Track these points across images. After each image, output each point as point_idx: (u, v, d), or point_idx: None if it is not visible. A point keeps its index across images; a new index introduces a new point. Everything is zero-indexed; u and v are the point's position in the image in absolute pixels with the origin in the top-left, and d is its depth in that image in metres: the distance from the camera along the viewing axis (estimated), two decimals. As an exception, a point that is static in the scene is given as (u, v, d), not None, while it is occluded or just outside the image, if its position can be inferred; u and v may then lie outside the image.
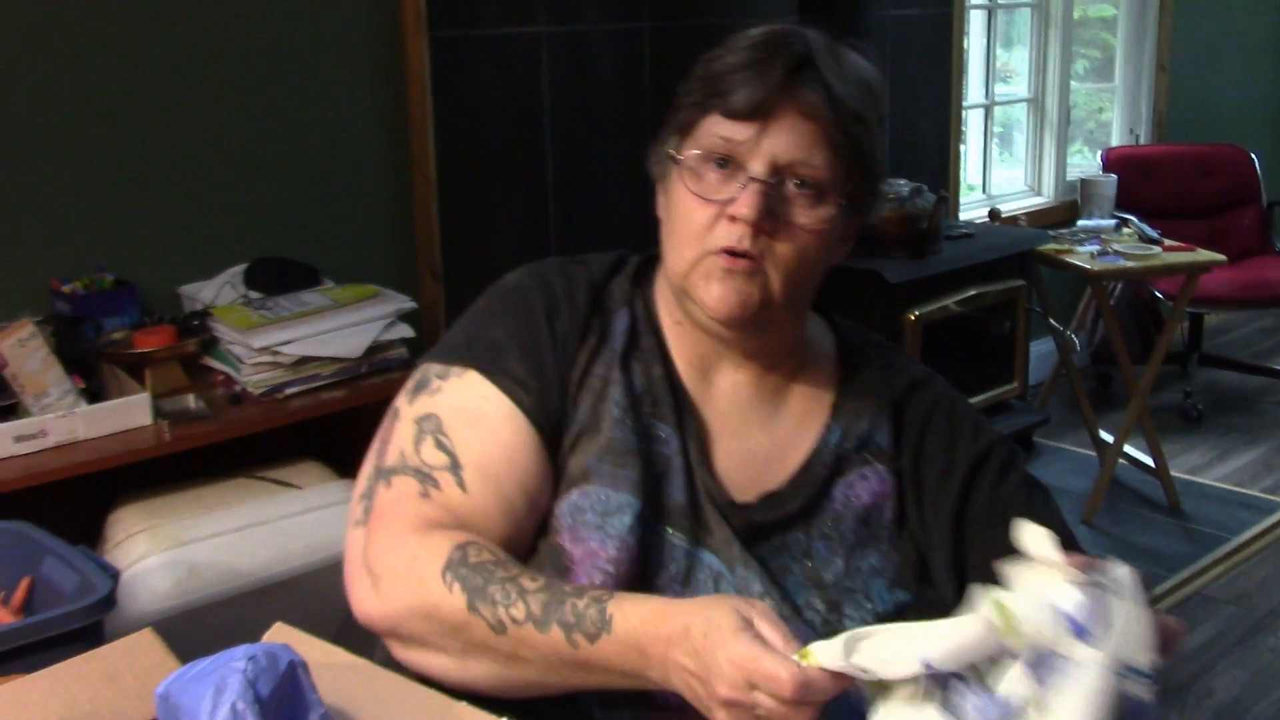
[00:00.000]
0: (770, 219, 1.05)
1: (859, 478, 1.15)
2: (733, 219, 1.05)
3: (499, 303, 1.18)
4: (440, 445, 1.10)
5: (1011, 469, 1.18)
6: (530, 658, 0.98)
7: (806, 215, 1.07)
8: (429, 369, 1.17)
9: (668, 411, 1.13)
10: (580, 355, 1.14)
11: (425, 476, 1.09)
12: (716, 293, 1.07)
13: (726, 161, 1.07)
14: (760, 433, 1.16)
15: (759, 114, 1.05)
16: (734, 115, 1.06)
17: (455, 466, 1.09)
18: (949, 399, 1.21)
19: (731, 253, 1.06)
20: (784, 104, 1.05)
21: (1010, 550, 0.87)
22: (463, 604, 0.99)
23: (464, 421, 1.11)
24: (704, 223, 1.07)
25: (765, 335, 1.13)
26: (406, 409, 1.15)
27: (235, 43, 2.58)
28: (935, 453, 1.17)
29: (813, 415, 1.18)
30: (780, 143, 1.05)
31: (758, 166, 1.05)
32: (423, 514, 1.07)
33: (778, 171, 1.06)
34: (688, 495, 1.11)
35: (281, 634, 1.09)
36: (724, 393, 1.16)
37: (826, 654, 0.84)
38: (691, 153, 1.09)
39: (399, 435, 1.13)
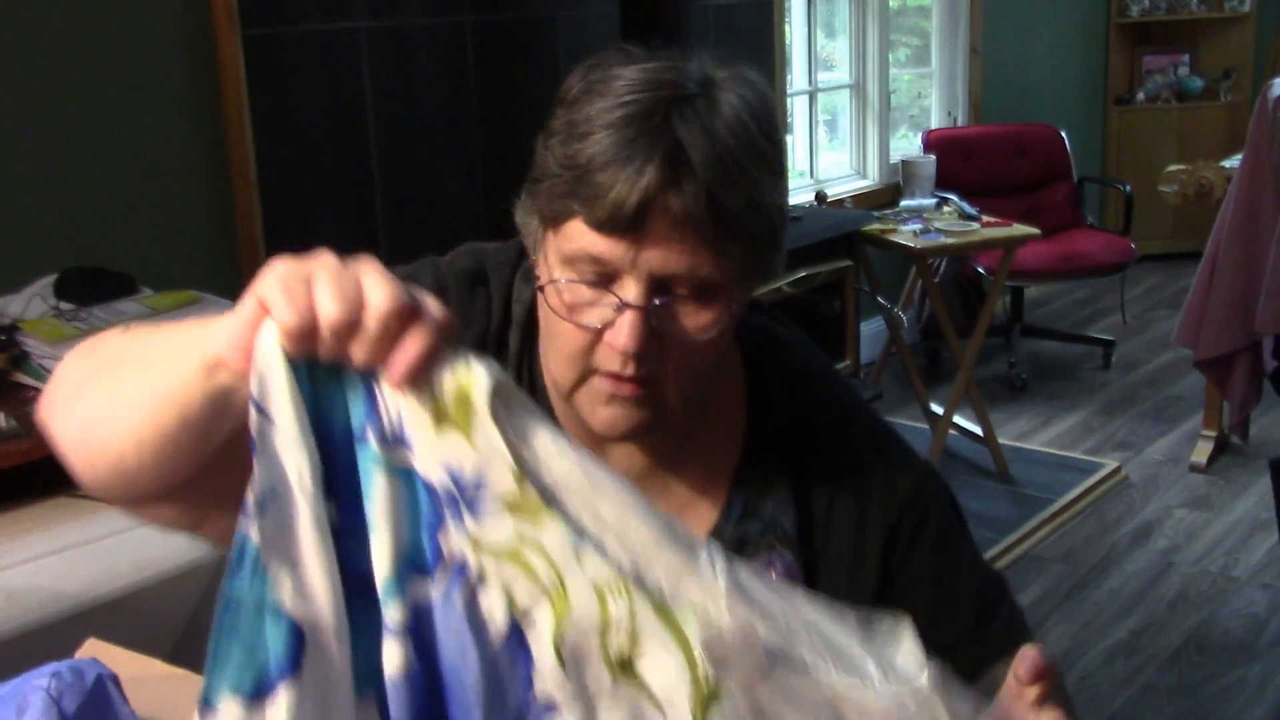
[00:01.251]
0: (655, 340, 0.92)
1: (764, 565, 1.04)
2: (610, 352, 0.93)
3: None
4: None
5: (920, 535, 1.06)
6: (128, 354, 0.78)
7: (695, 320, 0.94)
8: None
9: None
10: None
11: None
12: (604, 416, 0.97)
13: (600, 278, 0.93)
14: (657, 502, 0.99)
15: (631, 227, 0.89)
16: (601, 229, 0.90)
17: None
18: (859, 453, 1.08)
19: (617, 377, 0.95)
20: (656, 216, 0.89)
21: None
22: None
23: None
24: (582, 346, 0.95)
25: (659, 433, 1.02)
26: None
27: (39, 43, 2.47)
28: (846, 535, 1.05)
29: (713, 483, 1.07)
30: (658, 257, 0.90)
31: (633, 290, 0.91)
32: None
33: (659, 285, 0.92)
34: None
35: (94, 650, 1.05)
36: (617, 464, 1.05)
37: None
38: (561, 253, 0.94)
39: None
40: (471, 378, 0.66)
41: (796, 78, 4.71)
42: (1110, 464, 3.88)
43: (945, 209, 4.11)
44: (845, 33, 4.99)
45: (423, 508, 0.67)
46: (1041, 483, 3.74)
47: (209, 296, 2.40)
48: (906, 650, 0.72)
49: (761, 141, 0.93)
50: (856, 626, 0.72)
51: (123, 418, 0.75)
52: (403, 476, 0.67)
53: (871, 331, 4.54)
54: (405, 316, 0.66)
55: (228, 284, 2.78)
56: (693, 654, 0.67)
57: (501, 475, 0.66)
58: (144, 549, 2.10)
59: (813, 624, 0.70)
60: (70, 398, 0.81)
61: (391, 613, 0.66)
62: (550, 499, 0.67)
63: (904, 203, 4.28)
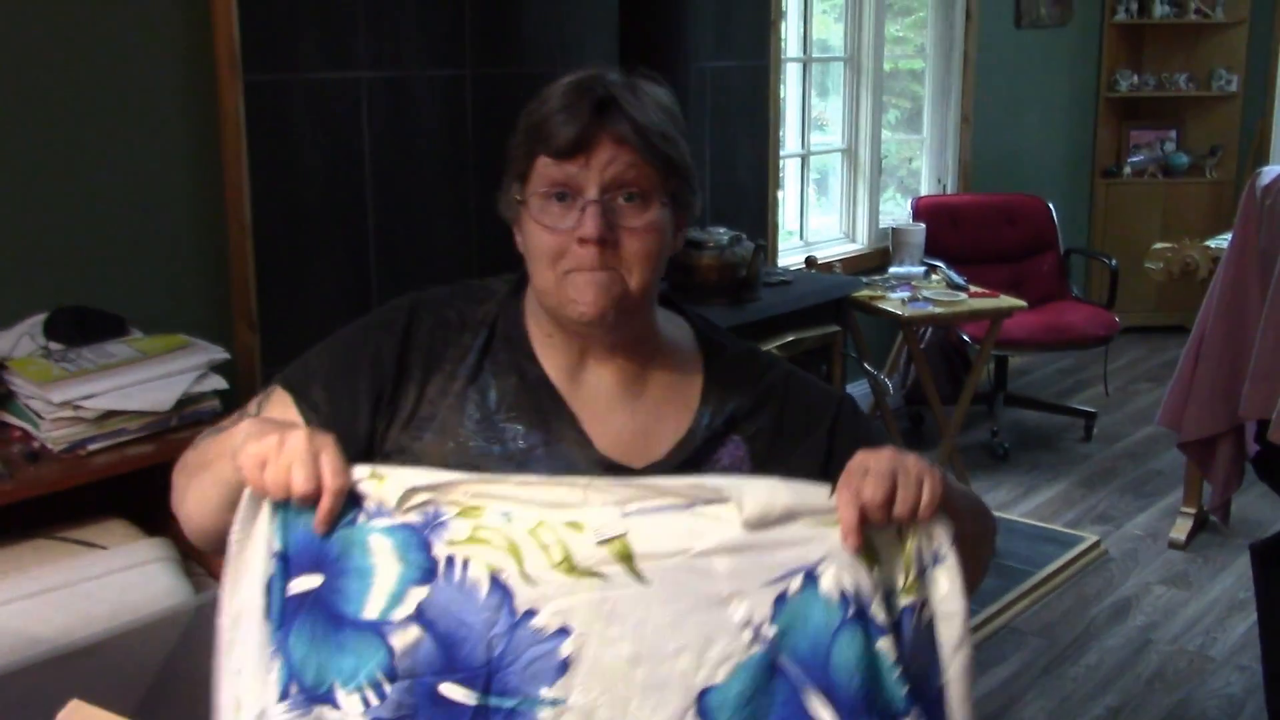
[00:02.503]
0: (611, 231, 1.24)
1: (724, 449, 1.33)
2: (581, 241, 1.23)
3: (345, 333, 1.36)
4: (258, 404, 1.34)
5: (855, 420, 1.40)
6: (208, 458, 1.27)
7: (639, 219, 1.25)
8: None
9: (523, 413, 1.29)
10: (413, 386, 1.30)
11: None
12: (582, 305, 1.24)
13: (564, 195, 1.24)
14: (628, 414, 1.33)
15: (580, 149, 1.22)
16: (559, 155, 1.23)
17: (252, 414, 1.32)
18: (796, 380, 1.40)
19: (589, 269, 1.24)
20: (599, 136, 1.23)
21: None
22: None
23: (276, 408, 1.32)
24: (557, 248, 1.25)
25: (626, 328, 1.29)
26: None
27: (37, 81, 2.48)
28: (797, 434, 1.34)
29: (682, 399, 1.35)
30: (603, 167, 1.23)
31: (591, 191, 1.23)
32: None
33: (606, 190, 1.24)
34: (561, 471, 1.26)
35: (78, 713, 1.04)
36: (591, 386, 1.32)
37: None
38: (534, 193, 1.26)
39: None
40: (408, 490, 1.09)
41: (789, 139, 4.75)
42: (1090, 538, 3.88)
43: (933, 277, 4.14)
44: (838, 93, 5.05)
45: (409, 542, 1.06)
46: (1022, 555, 3.74)
47: (197, 341, 2.39)
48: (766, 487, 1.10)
49: (670, 105, 1.30)
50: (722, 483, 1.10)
51: (208, 499, 1.24)
52: (388, 532, 1.07)
53: (856, 394, 4.55)
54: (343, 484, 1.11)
55: (218, 328, 2.78)
56: (614, 545, 1.05)
57: (446, 507, 1.07)
58: (122, 595, 2.08)
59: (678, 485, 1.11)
60: (182, 498, 1.34)
61: (397, 612, 1.04)
62: (477, 500, 1.07)
63: (893, 269, 4.31)
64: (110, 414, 2.16)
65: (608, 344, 1.32)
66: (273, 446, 1.10)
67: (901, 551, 1.08)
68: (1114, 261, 5.14)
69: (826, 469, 1.28)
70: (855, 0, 4.94)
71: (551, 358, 1.33)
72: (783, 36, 4.40)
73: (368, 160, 3.08)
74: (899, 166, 5.60)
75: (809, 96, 4.89)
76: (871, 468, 1.12)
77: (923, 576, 1.08)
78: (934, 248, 4.67)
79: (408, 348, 1.31)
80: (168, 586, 2.12)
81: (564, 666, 1.03)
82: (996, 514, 4.10)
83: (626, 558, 1.04)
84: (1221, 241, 3.53)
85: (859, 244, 5.04)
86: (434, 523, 1.06)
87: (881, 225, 5.10)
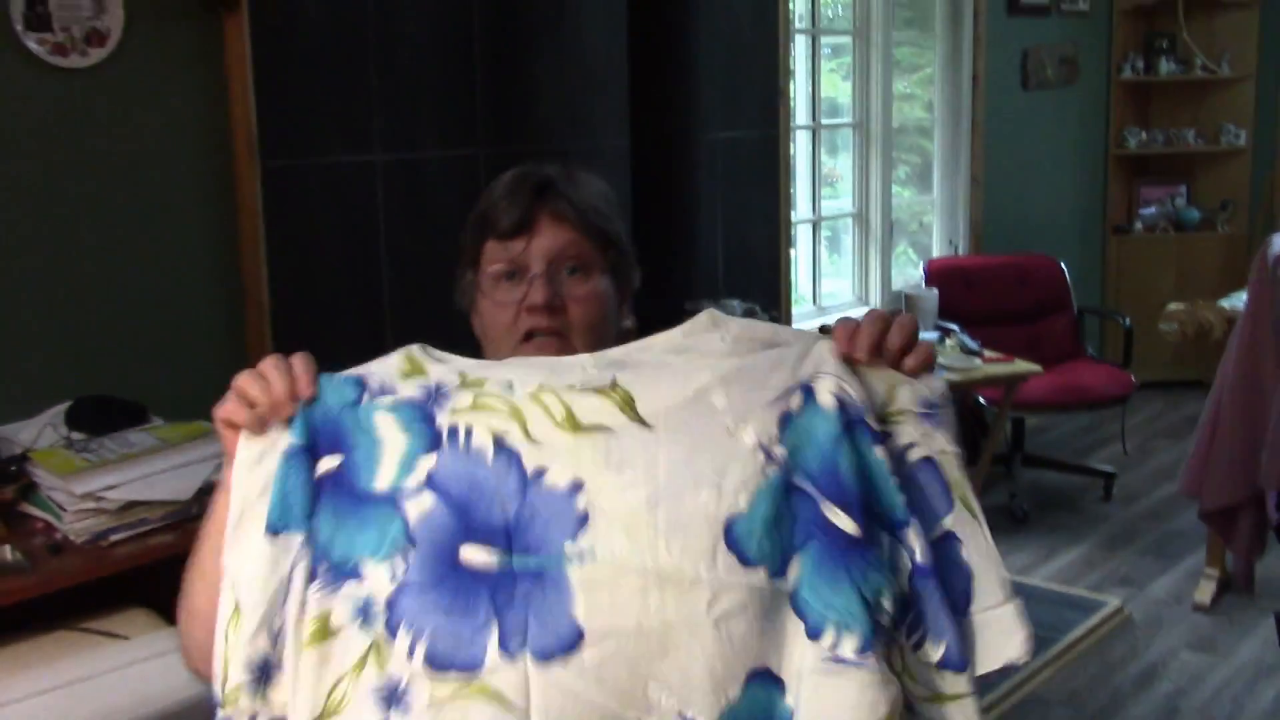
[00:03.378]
0: (557, 299, 1.33)
1: None
2: (529, 309, 1.33)
3: None
4: None
5: None
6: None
7: (582, 288, 1.35)
8: None
9: None
10: None
11: None
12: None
13: (513, 273, 1.35)
14: None
15: (523, 229, 1.34)
16: (505, 236, 1.35)
17: None
18: None
19: (536, 332, 1.33)
20: (540, 217, 1.34)
21: None
22: None
23: None
24: (509, 320, 1.35)
25: None
26: None
27: (52, 173, 2.52)
28: None
29: None
30: (545, 244, 1.34)
31: (537, 265, 1.34)
32: None
33: (551, 264, 1.34)
34: None
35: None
36: None
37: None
38: (486, 273, 1.37)
39: None
40: (408, 355, 1.13)
41: (800, 202, 4.79)
42: (1113, 602, 3.85)
43: (948, 342, 4.15)
44: (847, 150, 5.09)
45: (414, 415, 1.06)
46: (1045, 620, 3.71)
47: (219, 428, 2.40)
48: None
49: (605, 190, 1.41)
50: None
51: (209, 584, 1.12)
52: (393, 408, 1.07)
53: (873, 459, 4.54)
54: (292, 367, 1.12)
55: (237, 411, 2.79)
56: (614, 394, 1.06)
57: (450, 375, 1.09)
58: (144, 686, 2.08)
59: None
60: (187, 625, 1.27)
61: (409, 481, 1.04)
62: (478, 374, 1.10)
63: (907, 334, 4.31)
64: (132, 504, 2.17)
65: None
66: (240, 387, 1.09)
67: (891, 386, 1.09)
68: (1128, 320, 5.13)
69: None
70: (863, 61, 5.00)
71: None
72: (792, 96, 4.44)
73: (383, 240, 3.12)
74: (910, 221, 5.63)
75: (819, 161, 4.93)
76: (865, 316, 1.12)
77: (909, 419, 1.08)
78: (948, 310, 4.67)
79: None
80: (190, 677, 2.12)
81: (584, 519, 1.02)
82: (1018, 579, 4.07)
83: (629, 405, 1.04)
84: (1236, 301, 3.53)
85: (872, 307, 5.05)
86: (436, 395, 1.08)
87: (895, 286, 5.12)
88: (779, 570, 1.02)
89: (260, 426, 1.08)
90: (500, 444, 1.04)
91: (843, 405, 1.05)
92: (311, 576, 1.04)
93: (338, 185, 3.01)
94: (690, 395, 1.05)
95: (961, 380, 3.88)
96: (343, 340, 3.06)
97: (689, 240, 3.42)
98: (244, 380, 1.09)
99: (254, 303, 2.84)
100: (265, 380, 1.09)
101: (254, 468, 1.07)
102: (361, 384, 1.10)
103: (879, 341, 1.08)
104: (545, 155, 3.43)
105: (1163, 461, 5.22)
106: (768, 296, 4.22)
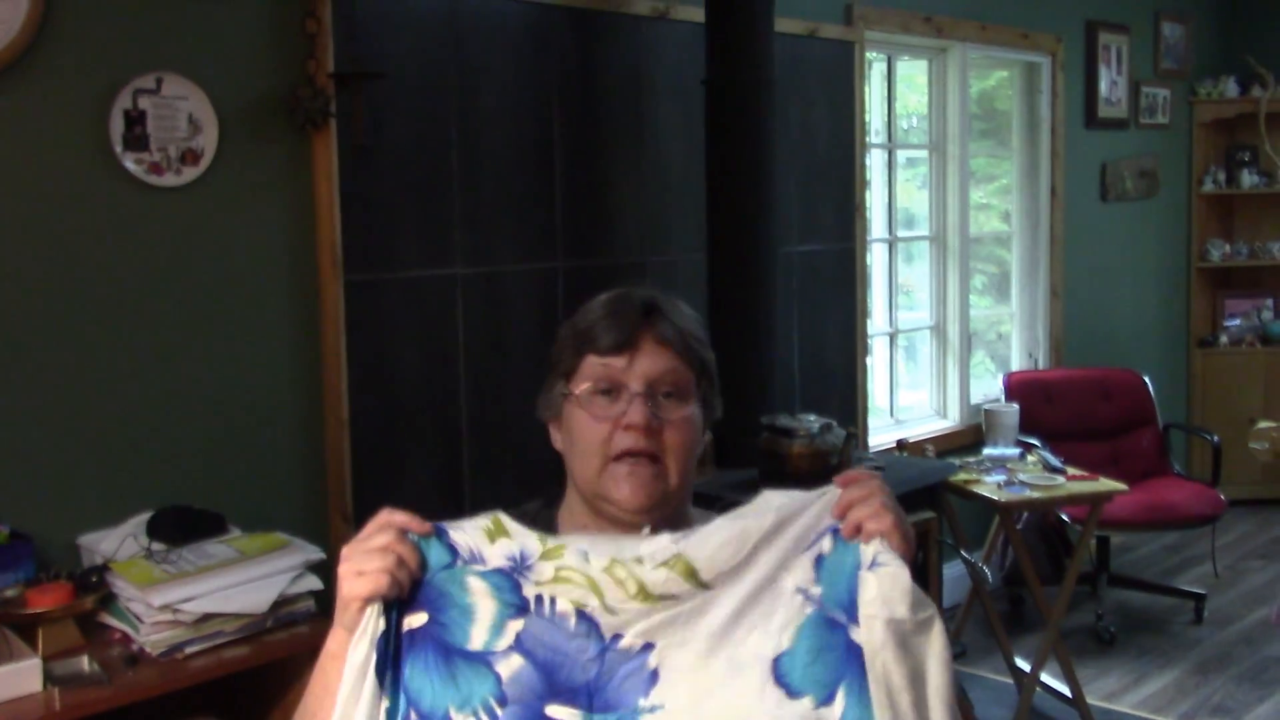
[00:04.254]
0: (654, 420, 1.34)
1: None
2: (627, 428, 1.33)
3: None
4: None
5: None
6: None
7: (678, 413, 1.36)
8: None
9: None
10: None
11: None
12: (627, 490, 1.33)
13: (610, 389, 1.35)
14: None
15: (626, 348, 1.35)
16: (606, 352, 1.35)
17: None
18: None
19: (632, 454, 1.33)
20: (643, 338, 1.36)
21: None
22: None
23: None
24: (603, 437, 1.34)
25: (665, 514, 1.35)
26: None
27: (144, 288, 2.58)
28: None
29: None
30: (647, 365, 1.35)
31: (636, 385, 1.35)
32: None
33: (650, 386, 1.35)
34: None
35: None
36: None
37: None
38: (582, 386, 1.37)
39: None
40: (494, 517, 1.21)
41: (876, 314, 4.77)
42: (1208, 732, 3.70)
43: (1029, 458, 4.07)
44: (923, 259, 5.07)
45: (502, 583, 1.17)
46: (1136, 751, 3.57)
47: (295, 540, 2.42)
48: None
49: (698, 318, 1.44)
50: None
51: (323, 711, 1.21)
52: (483, 575, 1.18)
53: (953, 575, 4.44)
54: (399, 536, 1.19)
55: (315, 521, 2.81)
56: (677, 565, 1.17)
57: (533, 545, 1.19)
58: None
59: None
60: None
61: (499, 643, 1.16)
62: (556, 541, 1.19)
63: (986, 451, 4.24)
64: (208, 616, 2.18)
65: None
66: (359, 557, 1.17)
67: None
68: (1216, 438, 5.00)
69: None
70: (939, 173, 5.00)
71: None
72: (868, 208, 4.45)
73: (461, 353, 3.15)
74: (987, 331, 5.57)
75: (895, 273, 4.92)
76: (871, 489, 1.21)
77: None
78: (1028, 424, 4.59)
79: None
80: (258, 794, 2.11)
81: (654, 677, 1.16)
82: (1105, 705, 3.92)
83: (691, 574, 1.16)
84: (1329, 420, 3.43)
85: (950, 421, 4.99)
86: (521, 566, 1.17)
87: (973, 398, 5.05)
88: (826, 699, 1.14)
89: (397, 593, 1.17)
90: (581, 613, 1.17)
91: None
92: None
93: (418, 298, 3.05)
94: (742, 556, 1.17)
95: (1044, 499, 3.79)
96: (419, 451, 3.07)
97: (765, 354, 3.41)
98: (370, 555, 1.16)
99: (333, 413, 2.87)
100: (391, 553, 1.16)
101: (361, 638, 1.16)
102: (454, 551, 1.20)
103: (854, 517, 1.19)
104: (622, 269, 3.48)
105: (1255, 583, 5.04)
106: (844, 409, 4.19)
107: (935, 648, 1.15)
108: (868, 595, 1.14)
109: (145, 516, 2.47)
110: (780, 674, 1.14)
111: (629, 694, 1.15)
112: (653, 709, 1.14)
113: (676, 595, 1.16)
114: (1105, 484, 3.85)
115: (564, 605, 1.17)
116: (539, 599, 1.17)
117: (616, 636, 1.16)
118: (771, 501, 1.21)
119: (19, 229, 2.40)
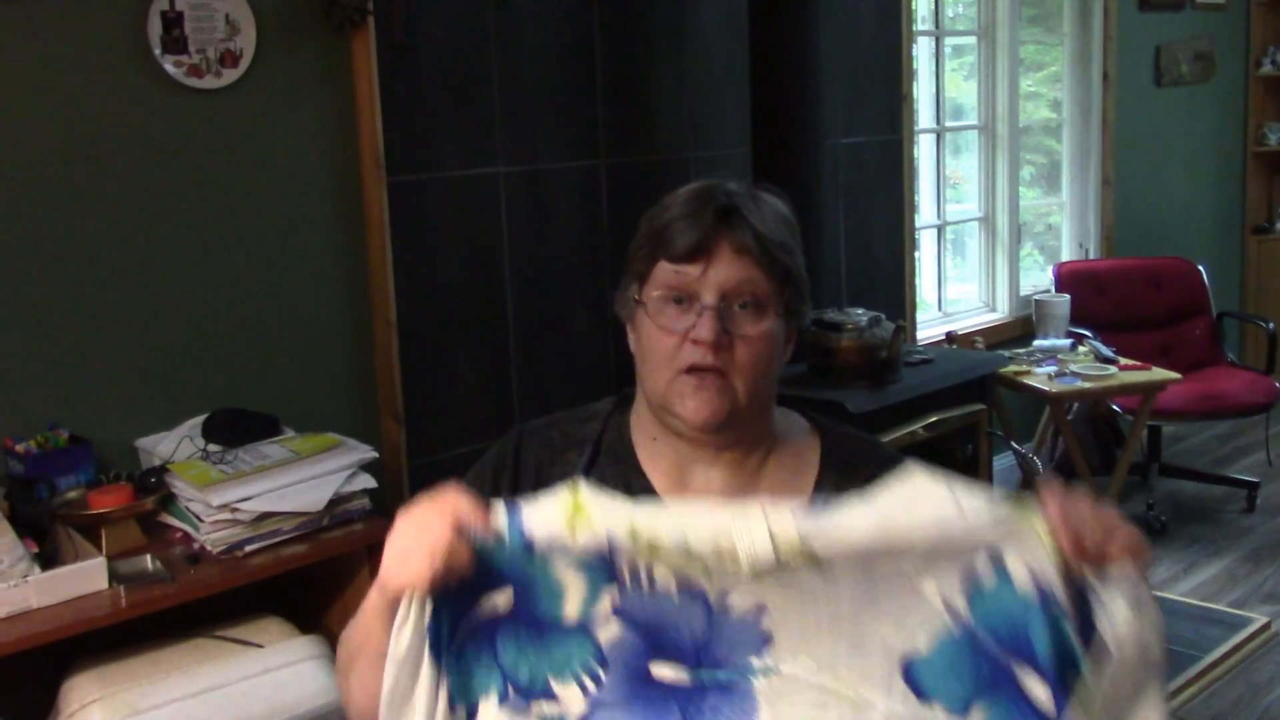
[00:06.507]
0: (725, 335, 1.26)
1: None
2: (695, 342, 1.25)
3: (465, 477, 1.40)
4: None
5: None
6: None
7: (753, 328, 1.27)
8: None
9: None
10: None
11: None
12: (692, 406, 1.26)
13: (682, 298, 1.27)
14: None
15: (700, 255, 1.26)
16: (680, 259, 1.26)
17: None
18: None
19: (698, 369, 1.26)
20: (719, 244, 1.26)
21: None
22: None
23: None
24: (672, 348, 1.27)
25: (735, 432, 1.30)
26: None
27: (188, 192, 2.59)
28: None
29: (795, 490, 1.33)
30: (722, 274, 1.26)
31: (709, 296, 1.26)
32: None
33: (724, 298, 1.26)
34: None
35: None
36: (698, 490, 1.33)
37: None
38: (652, 294, 1.29)
39: None
40: (575, 496, 1.09)
41: (924, 208, 4.70)
42: (1259, 619, 3.69)
43: (1080, 349, 4.03)
44: (971, 151, 4.98)
45: (591, 564, 1.09)
46: (1186, 638, 3.57)
47: (348, 440, 2.45)
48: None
49: (788, 217, 1.32)
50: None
51: (370, 682, 1.15)
52: (569, 560, 1.09)
53: (1003, 466, 4.43)
54: (455, 532, 1.09)
55: (366, 422, 2.84)
56: (794, 552, 1.05)
57: (621, 534, 1.07)
58: (278, 693, 2.12)
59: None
60: (348, 697, 1.28)
61: (597, 610, 1.10)
62: (649, 527, 1.08)
63: (1037, 342, 4.20)
64: (266, 515, 2.22)
65: (715, 445, 1.32)
66: (408, 539, 1.09)
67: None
68: (1271, 324, 4.92)
69: None
70: (988, 61, 4.89)
71: (658, 464, 1.35)
72: (915, 99, 4.36)
73: (506, 253, 3.14)
74: (1036, 223, 5.49)
75: (943, 164, 4.83)
76: (1090, 511, 1.05)
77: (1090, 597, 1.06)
78: (1079, 315, 4.54)
79: (517, 474, 1.37)
80: (323, 684, 2.16)
81: (767, 638, 1.09)
82: (1156, 593, 3.93)
83: (812, 559, 1.06)
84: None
85: (1000, 313, 4.94)
86: (614, 548, 1.08)
87: (1022, 291, 4.99)
88: (960, 709, 1.06)
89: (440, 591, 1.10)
90: (683, 580, 1.09)
91: (1035, 579, 1.05)
92: (502, 698, 1.11)
93: (461, 198, 3.04)
94: (870, 542, 1.05)
95: (1096, 389, 3.76)
96: (467, 352, 3.09)
97: (812, 248, 3.34)
98: (421, 539, 1.08)
99: (380, 315, 2.88)
100: (440, 549, 1.07)
101: (402, 628, 1.10)
102: (530, 543, 1.09)
103: (1094, 545, 1.04)
104: (664, 165, 3.44)
105: (1310, 471, 5.00)
106: (892, 304, 4.15)
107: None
108: (1123, 632, 1.04)
109: (200, 419, 2.50)
110: (912, 675, 1.07)
111: (740, 650, 1.09)
112: (767, 671, 1.08)
113: (791, 567, 1.06)
114: (1158, 373, 3.82)
115: (664, 577, 1.09)
116: (634, 573, 1.09)
117: (724, 596, 1.09)
118: (918, 489, 1.07)
119: (63, 137, 2.40)
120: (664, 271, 1.28)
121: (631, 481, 1.34)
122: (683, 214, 1.27)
